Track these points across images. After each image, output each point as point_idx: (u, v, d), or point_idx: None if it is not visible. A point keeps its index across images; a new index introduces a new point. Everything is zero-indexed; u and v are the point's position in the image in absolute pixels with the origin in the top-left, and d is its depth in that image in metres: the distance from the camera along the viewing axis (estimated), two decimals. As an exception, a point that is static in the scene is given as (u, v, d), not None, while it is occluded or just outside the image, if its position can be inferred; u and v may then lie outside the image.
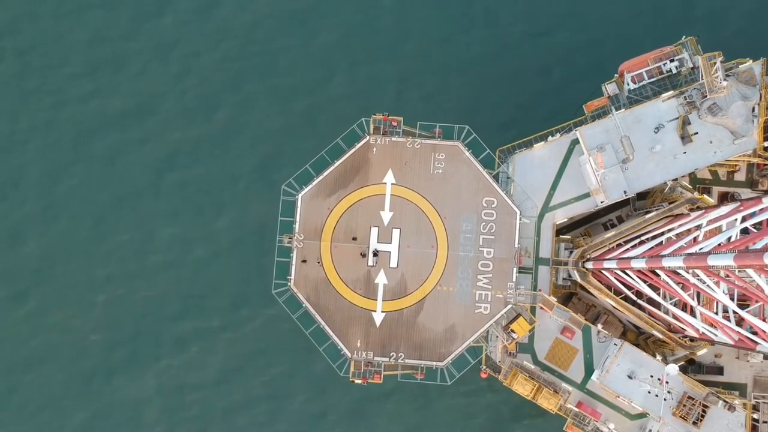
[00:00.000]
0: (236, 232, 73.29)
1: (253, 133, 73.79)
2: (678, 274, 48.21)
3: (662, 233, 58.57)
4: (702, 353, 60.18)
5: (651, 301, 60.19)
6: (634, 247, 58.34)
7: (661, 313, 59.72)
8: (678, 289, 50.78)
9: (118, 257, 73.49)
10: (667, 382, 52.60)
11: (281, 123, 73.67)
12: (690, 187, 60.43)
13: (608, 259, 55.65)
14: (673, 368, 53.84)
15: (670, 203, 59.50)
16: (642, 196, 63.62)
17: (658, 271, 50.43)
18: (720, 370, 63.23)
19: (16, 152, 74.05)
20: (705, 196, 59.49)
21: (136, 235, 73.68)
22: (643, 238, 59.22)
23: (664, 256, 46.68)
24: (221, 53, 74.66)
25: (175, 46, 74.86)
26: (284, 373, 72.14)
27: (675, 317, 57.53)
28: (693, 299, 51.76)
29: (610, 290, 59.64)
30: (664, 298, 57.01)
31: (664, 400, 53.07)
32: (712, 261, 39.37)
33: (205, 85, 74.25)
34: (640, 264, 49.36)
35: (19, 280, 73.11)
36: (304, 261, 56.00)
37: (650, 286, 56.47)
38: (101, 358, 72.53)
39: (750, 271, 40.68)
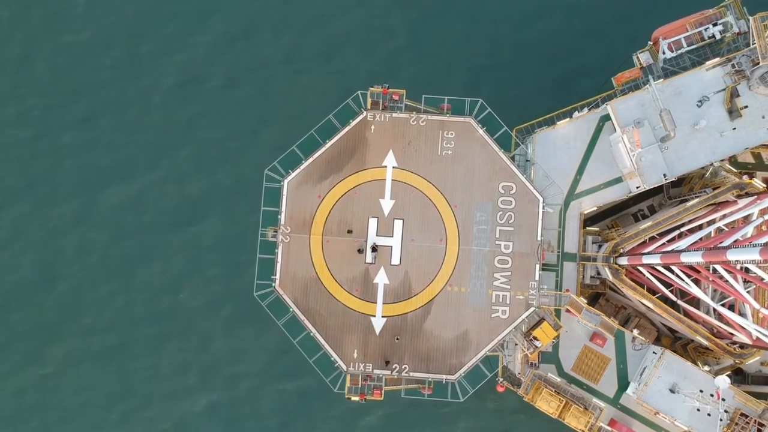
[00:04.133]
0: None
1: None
2: (742, 269, 40.42)
3: (701, 226, 51.51)
4: (752, 362, 52.27)
5: (690, 302, 52.63)
6: (673, 240, 50.67)
7: (703, 315, 51.99)
8: (739, 287, 42.87)
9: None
10: (723, 399, 44.59)
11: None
12: (735, 170, 52.76)
13: (648, 254, 47.71)
14: (724, 381, 46.08)
15: (713, 189, 51.72)
16: (676, 182, 56.08)
17: (716, 267, 42.53)
18: (767, 380, 55.71)
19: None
20: (755, 180, 51.72)
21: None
22: (683, 229, 51.57)
23: (727, 247, 38.61)
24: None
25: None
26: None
27: (723, 320, 49.85)
28: (755, 299, 43.90)
29: (643, 288, 51.91)
30: (714, 299, 49.22)
31: (720, 420, 45.04)
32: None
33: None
34: (693, 258, 41.44)
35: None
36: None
37: (694, 282, 48.79)
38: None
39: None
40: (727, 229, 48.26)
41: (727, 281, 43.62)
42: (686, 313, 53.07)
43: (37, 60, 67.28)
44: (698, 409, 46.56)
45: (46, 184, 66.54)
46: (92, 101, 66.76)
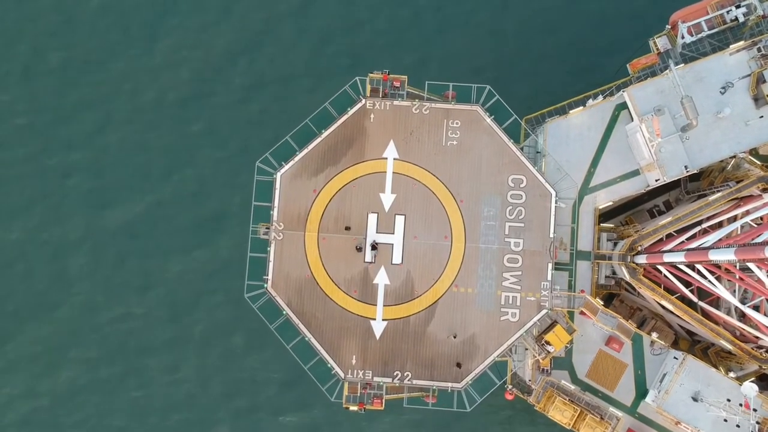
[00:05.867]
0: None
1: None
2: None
3: (721, 223, 48.70)
4: (778, 367, 49.02)
5: (710, 303, 49.48)
6: (693, 237, 47.44)
7: (724, 316, 48.74)
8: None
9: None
10: (755, 410, 41.28)
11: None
12: (759, 162, 49.49)
13: (669, 252, 44.38)
14: (752, 388, 42.95)
15: (736, 183, 48.51)
16: (694, 177, 52.95)
17: (750, 265, 39.22)
18: (794, 387, 52.54)
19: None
20: (781, 173, 48.45)
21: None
22: (705, 225, 48.40)
23: (763, 244, 35.25)
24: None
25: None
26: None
27: (747, 321, 46.68)
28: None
29: (661, 288, 48.77)
30: (742, 301, 46.09)
31: (751, 432, 41.84)
32: None
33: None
34: (724, 256, 38.03)
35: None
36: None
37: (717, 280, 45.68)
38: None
39: None
40: (755, 225, 44.96)
41: (759, 280, 40.25)
42: (705, 314, 49.90)
43: (40, 73, 62.89)
44: (725, 420, 43.26)
45: (47, 204, 62.19)
46: (95, 117, 62.54)
